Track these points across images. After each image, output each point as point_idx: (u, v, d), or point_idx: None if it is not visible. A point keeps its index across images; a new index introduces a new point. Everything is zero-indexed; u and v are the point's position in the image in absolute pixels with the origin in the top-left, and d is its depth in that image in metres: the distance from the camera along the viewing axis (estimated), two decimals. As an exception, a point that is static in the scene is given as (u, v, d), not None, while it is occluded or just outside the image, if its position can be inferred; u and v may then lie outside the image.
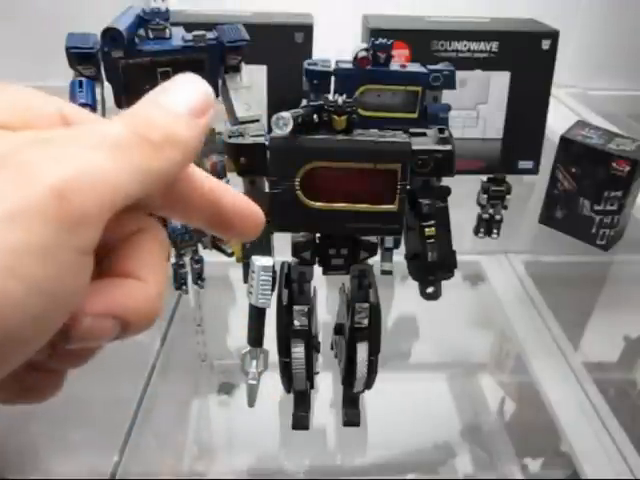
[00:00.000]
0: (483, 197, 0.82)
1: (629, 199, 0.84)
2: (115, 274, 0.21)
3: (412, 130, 0.46)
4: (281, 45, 0.96)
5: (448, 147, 0.46)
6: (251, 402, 0.52)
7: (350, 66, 0.67)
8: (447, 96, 0.69)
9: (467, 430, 0.62)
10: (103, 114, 0.62)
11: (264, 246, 0.48)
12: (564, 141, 0.87)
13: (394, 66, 0.67)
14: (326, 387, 0.61)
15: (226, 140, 0.46)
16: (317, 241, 0.49)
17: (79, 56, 0.60)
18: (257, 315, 0.49)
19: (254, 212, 0.26)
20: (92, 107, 0.60)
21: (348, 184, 0.45)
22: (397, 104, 0.68)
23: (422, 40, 0.97)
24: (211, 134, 0.74)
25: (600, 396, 0.64)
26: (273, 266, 0.48)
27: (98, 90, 0.62)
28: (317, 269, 0.51)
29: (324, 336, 0.61)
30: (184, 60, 0.63)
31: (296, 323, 0.50)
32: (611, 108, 1.35)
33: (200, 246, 0.72)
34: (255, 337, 0.50)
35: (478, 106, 1.03)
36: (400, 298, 0.78)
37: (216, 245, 0.80)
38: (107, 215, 0.18)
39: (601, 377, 0.68)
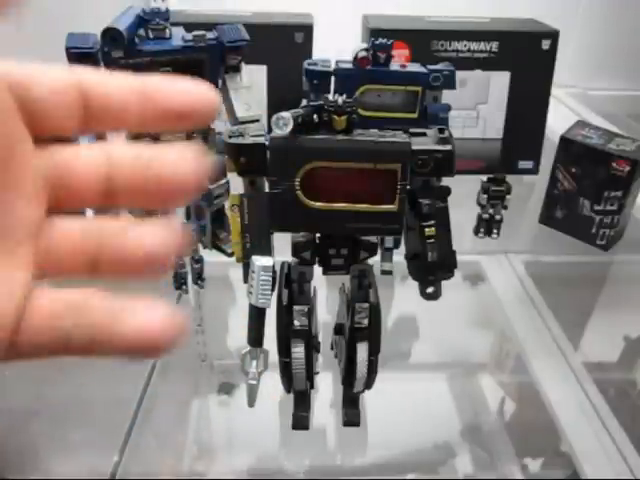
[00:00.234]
0: (483, 197, 0.82)
1: (629, 199, 0.84)
2: None
3: (412, 130, 0.46)
4: (281, 45, 0.96)
5: (448, 147, 0.46)
6: (251, 402, 0.52)
7: (350, 66, 0.67)
8: (447, 96, 0.69)
9: (467, 430, 0.62)
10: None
11: (264, 246, 0.48)
12: (564, 141, 0.87)
13: (394, 66, 0.67)
14: (326, 387, 0.61)
15: (226, 140, 0.46)
16: (317, 241, 0.49)
17: (79, 56, 0.60)
18: (257, 315, 0.50)
19: (202, 92, 0.23)
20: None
21: (348, 184, 0.45)
22: (397, 104, 0.68)
23: (422, 40, 0.97)
24: (211, 134, 0.74)
25: (600, 396, 0.64)
26: (273, 266, 0.48)
27: None
28: (317, 269, 0.51)
29: (324, 336, 0.61)
30: (184, 60, 0.62)
31: (296, 323, 0.50)
32: (611, 108, 1.35)
33: (200, 246, 0.72)
34: (255, 337, 0.51)
35: (478, 106, 1.03)
36: (400, 298, 0.78)
37: (216, 245, 0.80)
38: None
39: (601, 377, 0.68)
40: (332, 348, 0.61)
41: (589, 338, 0.76)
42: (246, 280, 0.49)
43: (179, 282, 0.73)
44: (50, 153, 0.22)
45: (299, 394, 0.55)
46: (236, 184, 0.52)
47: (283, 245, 0.50)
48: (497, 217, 0.83)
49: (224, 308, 0.78)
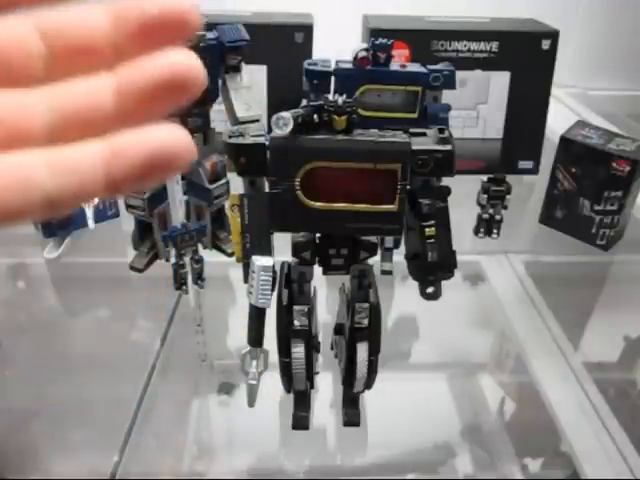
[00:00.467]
0: (483, 197, 0.82)
1: (629, 199, 0.84)
2: None
3: (412, 130, 0.46)
4: (281, 45, 0.96)
5: (448, 147, 0.46)
6: (251, 402, 0.52)
7: (350, 66, 0.67)
8: (447, 96, 0.69)
9: (467, 430, 0.62)
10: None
11: (264, 246, 0.48)
12: (564, 141, 0.87)
13: (394, 66, 0.67)
14: (326, 387, 0.61)
15: (226, 140, 0.46)
16: (317, 241, 0.49)
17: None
18: (257, 315, 0.50)
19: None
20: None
21: (348, 184, 0.45)
22: (397, 104, 0.68)
23: (422, 40, 0.97)
24: (211, 134, 0.74)
25: (600, 396, 0.64)
26: (273, 266, 0.48)
27: None
28: (317, 269, 0.51)
29: (324, 336, 0.61)
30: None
31: (296, 323, 0.50)
32: (611, 108, 1.35)
33: (200, 246, 0.72)
34: (255, 337, 0.51)
35: (478, 106, 1.03)
36: (400, 298, 0.78)
37: (216, 245, 0.81)
38: None
39: (601, 377, 0.68)
40: (332, 348, 0.61)
41: (589, 338, 0.76)
42: (246, 280, 0.49)
43: (179, 282, 0.73)
44: None
45: (299, 394, 0.55)
46: (236, 184, 0.52)
47: (283, 245, 0.50)
48: (497, 217, 0.83)
49: (224, 308, 0.78)
